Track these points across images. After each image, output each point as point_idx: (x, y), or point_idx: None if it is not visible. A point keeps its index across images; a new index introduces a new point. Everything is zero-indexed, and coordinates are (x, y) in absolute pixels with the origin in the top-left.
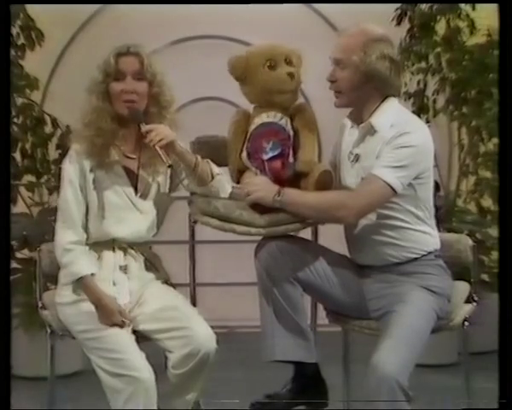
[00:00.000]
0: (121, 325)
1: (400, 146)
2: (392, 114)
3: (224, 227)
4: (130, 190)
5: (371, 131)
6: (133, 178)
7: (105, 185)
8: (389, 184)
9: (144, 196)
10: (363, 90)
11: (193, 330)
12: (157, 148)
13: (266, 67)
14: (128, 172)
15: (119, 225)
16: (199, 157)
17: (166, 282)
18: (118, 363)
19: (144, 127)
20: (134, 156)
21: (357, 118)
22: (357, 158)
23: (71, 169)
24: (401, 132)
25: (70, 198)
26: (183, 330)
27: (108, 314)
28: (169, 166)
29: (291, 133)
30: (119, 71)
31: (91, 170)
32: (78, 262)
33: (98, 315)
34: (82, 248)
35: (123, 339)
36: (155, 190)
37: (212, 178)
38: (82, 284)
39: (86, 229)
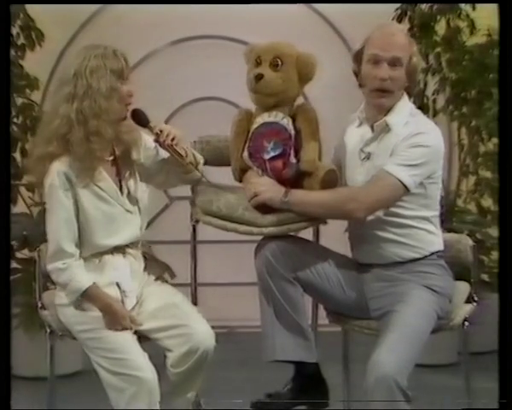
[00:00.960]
0: (130, 329)
1: (415, 145)
2: (406, 113)
3: (226, 227)
4: (118, 193)
5: (386, 129)
6: (116, 180)
7: (96, 197)
8: (402, 182)
9: (130, 194)
10: (402, 90)
11: (192, 328)
12: (175, 148)
13: (253, 65)
14: (110, 174)
15: (115, 234)
16: (185, 146)
17: (164, 275)
18: (120, 363)
19: (155, 127)
20: (111, 157)
21: (372, 116)
22: (368, 156)
23: (61, 191)
24: (416, 132)
25: (62, 221)
26: (182, 328)
27: (119, 319)
28: (188, 164)
29: (292, 133)
30: (125, 73)
31: (82, 186)
32: (76, 278)
33: (106, 321)
34: (76, 263)
35: (125, 339)
36: (137, 184)
37: (197, 163)
38: (88, 296)
39: (82, 244)
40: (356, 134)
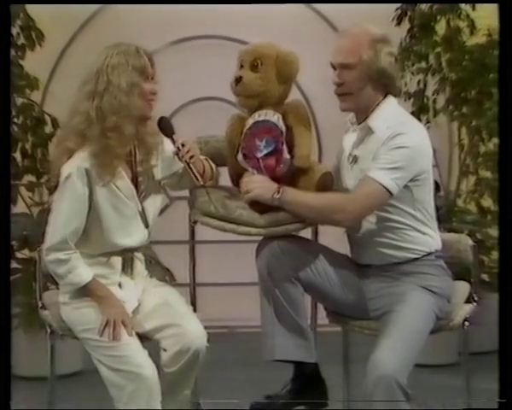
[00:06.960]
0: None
1: (395, 147)
2: (390, 115)
3: (224, 227)
4: (134, 194)
5: (369, 132)
6: (133, 180)
7: (113, 196)
8: (385, 187)
9: (146, 197)
10: (369, 90)
11: (183, 328)
12: (191, 166)
13: (237, 69)
14: (128, 174)
15: (128, 235)
16: (203, 163)
17: (165, 278)
18: (120, 360)
19: (178, 141)
20: (130, 157)
21: (358, 119)
22: (355, 160)
23: (78, 184)
24: (396, 133)
25: (73, 214)
26: (173, 328)
27: (116, 311)
28: (202, 187)
29: (283, 129)
30: (148, 71)
31: (102, 185)
32: (77, 271)
33: (102, 313)
34: (76, 255)
35: (126, 337)
36: (154, 187)
37: (214, 178)
38: (86, 290)
39: (93, 242)
40: (349, 138)
